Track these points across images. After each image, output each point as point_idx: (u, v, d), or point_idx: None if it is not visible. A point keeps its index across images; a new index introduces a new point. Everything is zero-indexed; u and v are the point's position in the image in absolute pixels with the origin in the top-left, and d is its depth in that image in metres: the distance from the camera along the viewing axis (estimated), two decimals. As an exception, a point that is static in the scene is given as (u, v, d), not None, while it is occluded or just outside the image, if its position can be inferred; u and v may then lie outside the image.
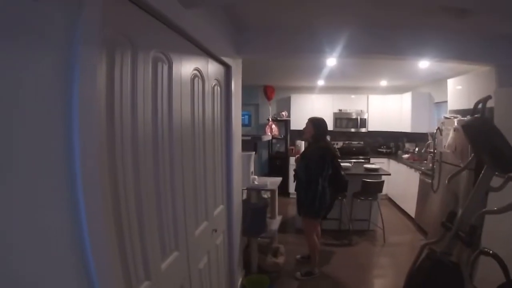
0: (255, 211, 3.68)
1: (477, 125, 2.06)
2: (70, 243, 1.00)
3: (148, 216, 1.52)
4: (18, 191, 0.83)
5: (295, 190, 3.96)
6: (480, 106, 2.11)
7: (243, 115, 8.16)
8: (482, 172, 2.07)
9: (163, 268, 1.66)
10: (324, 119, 3.90)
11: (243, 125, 8.10)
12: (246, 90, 6.82)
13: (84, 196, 1.02)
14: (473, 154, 2.36)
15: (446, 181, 2.49)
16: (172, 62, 1.76)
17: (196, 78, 2.18)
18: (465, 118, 3.14)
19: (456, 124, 4.13)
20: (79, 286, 1.03)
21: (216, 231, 2.62)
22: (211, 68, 2.51)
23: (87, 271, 1.05)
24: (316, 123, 3.81)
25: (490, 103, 2.30)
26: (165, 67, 1.70)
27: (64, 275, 0.98)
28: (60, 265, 0.97)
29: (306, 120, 3.89)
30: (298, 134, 5.86)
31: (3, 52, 0.79)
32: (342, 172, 3.97)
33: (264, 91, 7.91)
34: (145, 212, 1.49)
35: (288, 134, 8.10)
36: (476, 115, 2.12)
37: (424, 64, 4.37)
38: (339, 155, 4.07)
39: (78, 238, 1.02)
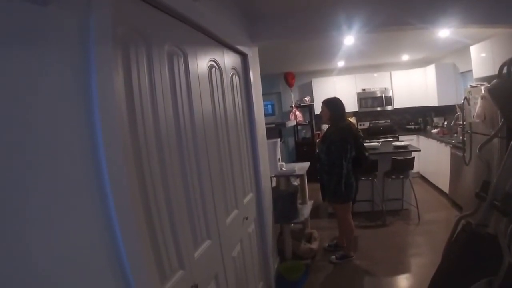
0: (284, 197, 3.69)
1: (504, 88, 1.98)
2: (101, 238, 1.03)
3: (177, 207, 1.55)
4: (44, 191, 0.86)
5: (318, 174, 3.88)
6: (505, 69, 2.03)
7: (266, 104, 8.26)
8: (515, 136, 2.00)
9: (196, 256, 1.70)
10: (340, 98, 3.75)
11: (267, 114, 8.19)
12: (267, 79, 6.81)
13: (112, 192, 1.05)
14: (503, 120, 2.28)
15: (477, 150, 2.41)
16: (188, 55, 1.78)
17: (213, 69, 2.20)
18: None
19: (483, 91, 3.97)
20: (113, 277, 1.07)
21: (247, 219, 2.65)
22: (228, 58, 2.51)
23: (120, 263, 1.08)
24: (330, 104, 3.68)
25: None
26: (181, 60, 1.72)
27: (98, 268, 1.02)
28: (94, 259, 1.00)
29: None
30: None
31: (17, 59, 0.82)
32: (366, 153, 3.79)
33: (285, 78, 7.86)
34: (174, 204, 1.52)
35: (313, 120, 8.04)
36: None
37: (444, 33, 4.21)
38: (361, 135, 3.94)
39: (109, 232, 1.05)
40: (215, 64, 2.23)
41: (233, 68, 2.66)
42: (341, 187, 3.55)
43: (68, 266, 0.91)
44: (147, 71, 1.40)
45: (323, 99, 3.79)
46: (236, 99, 2.66)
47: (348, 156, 3.53)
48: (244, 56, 2.96)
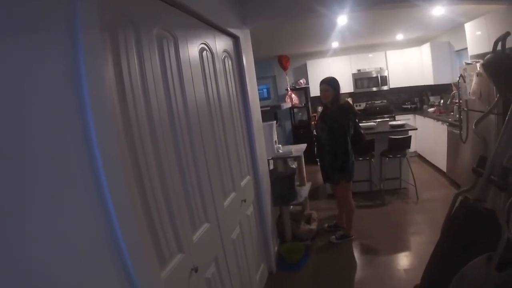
0: (282, 179, 3.69)
1: (498, 62, 1.96)
2: (97, 223, 1.03)
3: (173, 192, 1.54)
4: (39, 180, 0.86)
5: (317, 156, 3.86)
6: (499, 44, 2.00)
7: (261, 88, 8.22)
8: (510, 109, 1.97)
9: (195, 239, 1.71)
10: (338, 79, 3.69)
11: (263, 98, 8.15)
12: (261, 63, 6.75)
13: (107, 179, 1.05)
14: (498, 95, 2.26)
15: (473, 126, 2.40)
16: (177, 38, 1.75)
17: (205, 52, 2.17)
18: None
19: (478, 68, 3.95)
20: (112, 263, 1.07)
21: (245, 201, 2.66)
22: (219, 41, 2.48)
23: (118, 248, 1.09)
24: (334, 84, 3.63)
25: (510, 42, 2.15)
26: (171, 43, 1.69)
27: (96, 255, 1.02)
28: (91, 246, 1.00)
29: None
30: (319, 100, 5.84)
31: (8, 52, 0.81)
32: (362, 131, 3.81)
33: (279, 61, 7.80)
34: (170, 188, 1.51)
35: (309, 102, 8.01)
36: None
37: (438, 10, 4.17)
38: (358, 113, 3.92)
39: (106, 219, 1.06)
40: (206, 47, 2.20)
41: (225, 51, 2.62)
42: (348, 164, 3.58)
43: (65, 255, 0.91)
44: (136, 56, 1.38)
45: (318, 81, 3.75)
46: (229, 82, 2.63)
47: (350, 133, 3.56)
48: (236, 39, 2.92)
